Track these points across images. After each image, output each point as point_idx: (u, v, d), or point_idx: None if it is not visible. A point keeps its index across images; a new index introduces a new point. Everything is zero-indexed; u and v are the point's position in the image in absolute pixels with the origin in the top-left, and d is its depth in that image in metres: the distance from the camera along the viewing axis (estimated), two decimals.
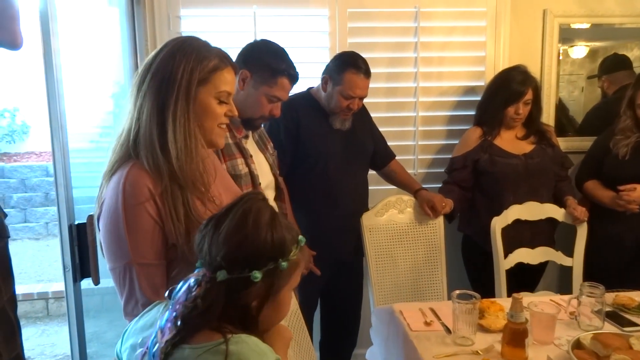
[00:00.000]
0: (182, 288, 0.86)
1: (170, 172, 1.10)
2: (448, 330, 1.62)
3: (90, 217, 1.54)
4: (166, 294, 0.89)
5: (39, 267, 4.93)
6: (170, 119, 1.10)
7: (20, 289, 4.03)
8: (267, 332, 0.92)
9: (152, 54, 1.17)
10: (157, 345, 0.82)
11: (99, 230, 1.16)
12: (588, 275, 2.16)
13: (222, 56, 1.18)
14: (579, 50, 2.73)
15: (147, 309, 0.96)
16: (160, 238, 1.10)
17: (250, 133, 1.81)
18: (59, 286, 3.94)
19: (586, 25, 2.69)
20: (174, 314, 0.84)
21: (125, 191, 1.08)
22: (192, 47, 1.14)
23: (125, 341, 0.94)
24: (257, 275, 0.85)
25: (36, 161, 6.52)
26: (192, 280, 0.86)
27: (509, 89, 2.28)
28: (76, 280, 1.56)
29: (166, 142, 1.10)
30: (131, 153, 1.13)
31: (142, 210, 1.08)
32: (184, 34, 2.32)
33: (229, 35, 2.32)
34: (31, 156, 6.82)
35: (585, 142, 2.63)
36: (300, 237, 0.93)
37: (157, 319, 0.90)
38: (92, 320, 1.80)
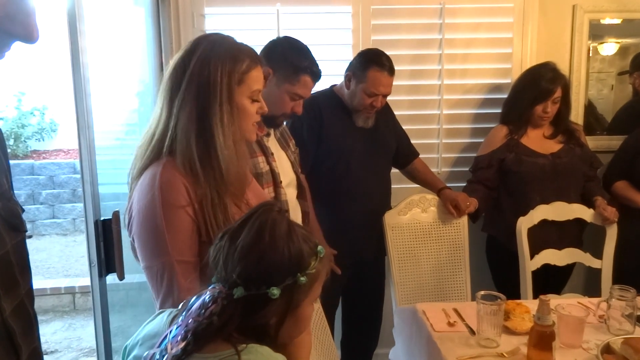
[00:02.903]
0: (195, 303, 0.84)
1: (209, 179, 1.09)
2: (472, 332, 1.59)
3: (116, 214, 1.56)
4: (180, 305, 0.87)
5: (66, 262, 5.03)
6: (218, 125, 1.09)
7: (48, 283, 4.11)
8: (286, 346, 0.90)
9: (179, 55, 1.14)
10: (166, 357, 0.80)
11: (131, 230, 1.15)
12: (617, 278, 2.11)
13: (253, 55, 1.17)
14: (609, 47, 2.65)
15: (151, 318, 0.94)
16: (196, 236, 1.10)
17: (272, 131, 1.81)
18: (86, 281, 4.02)
19: (617, 21, 2.61)
20: (185, 328, 0.81)
21: (162, 190, 1.07)
22: (224, 49, 1.13)
23: (129, 352, 0.92)
24: (275, 292, 0.82)
25: (64, 158, 6.65)
26: (207, 296, 0.83)
27: (538, 86, 2.23)
28: (102, 275, 1.58)
29: (208, 149, 1.09)
30: (163, 157, 1.11)
31: (182, 212, 1.08)
32: (208, 32, 2.34)
33: (252, 33, 2.32)
34: (59, 153, 6.97)
35: (614, 141, 2.56)
36: (319, 248, 0.89)
37: (161, 329, 0.88)
38: (117, 315, 1.82)
